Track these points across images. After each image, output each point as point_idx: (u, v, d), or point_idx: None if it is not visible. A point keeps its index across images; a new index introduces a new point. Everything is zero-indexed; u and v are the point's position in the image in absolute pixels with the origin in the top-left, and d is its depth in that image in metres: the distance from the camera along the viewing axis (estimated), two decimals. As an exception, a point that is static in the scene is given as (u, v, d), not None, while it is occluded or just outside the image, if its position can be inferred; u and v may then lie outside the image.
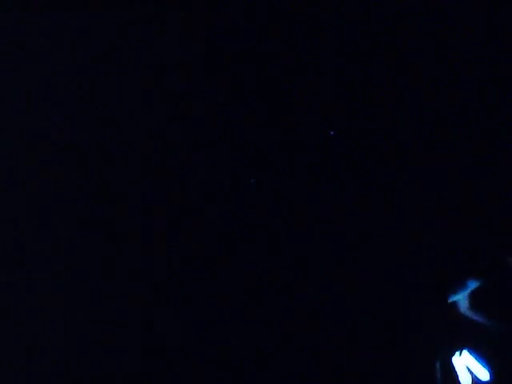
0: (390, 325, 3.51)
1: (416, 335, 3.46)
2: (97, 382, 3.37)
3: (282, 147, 3.69)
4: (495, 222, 3.54)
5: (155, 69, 3.68)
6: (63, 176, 3.60)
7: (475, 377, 3.36)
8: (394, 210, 3.64)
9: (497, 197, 3.60)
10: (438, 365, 3.40)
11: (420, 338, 3.45)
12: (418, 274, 3.53)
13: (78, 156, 3.62)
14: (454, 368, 3.38)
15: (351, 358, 3.47)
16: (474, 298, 3.44)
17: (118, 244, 3.55)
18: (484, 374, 3.36)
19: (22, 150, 3.61)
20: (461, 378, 3.36)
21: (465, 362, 3.37)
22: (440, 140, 3.69)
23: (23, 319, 3.41)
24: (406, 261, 3.58)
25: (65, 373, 3.38)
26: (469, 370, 3.36)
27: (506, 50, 3.67)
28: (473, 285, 3.43)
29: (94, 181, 3.60)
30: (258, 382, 3.43)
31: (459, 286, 3.43)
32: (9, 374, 3.34)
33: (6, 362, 3.36)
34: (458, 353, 3.37)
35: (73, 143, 3.62)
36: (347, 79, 3.71)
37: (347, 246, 3.62)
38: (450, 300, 3.46)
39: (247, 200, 3.64)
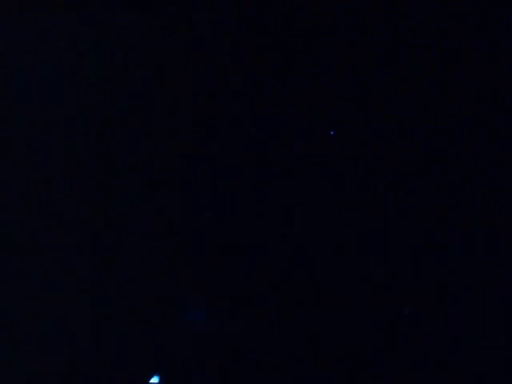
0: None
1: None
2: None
3: (281, 147, 3.68)
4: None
5: (155, 69, 3.68)
6: (63, 176, 3.61)
7: None
8: (393, 209, 3.63)
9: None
10: None
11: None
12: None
13: (78, 156, 3.63)
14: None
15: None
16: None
17: (118, 244, 3.56)
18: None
19: (21, 149, 3.61)
20: None
21: None
22: (440, 140, 3.69)
23: (23, 319, 3.42)
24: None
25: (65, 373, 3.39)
26: None
27: (506, 50, 3.66)
28: None
29: (94, 181, 3.61)
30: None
31: None
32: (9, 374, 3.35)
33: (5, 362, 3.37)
34: None
35: (73, 143, 3.63)
36: (347, 79, 3.70)
37: (346, 245, 3.61)
38: None
39: (247, 200, 3.64)
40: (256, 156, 3.67)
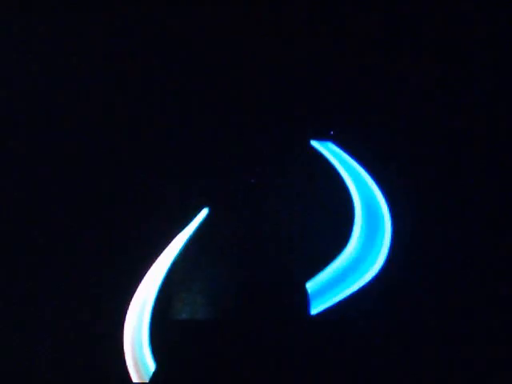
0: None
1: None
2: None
3: (281, 147, 3.68)
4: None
5: (155, 68, 3.69)
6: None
7: None
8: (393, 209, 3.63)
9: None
10: None
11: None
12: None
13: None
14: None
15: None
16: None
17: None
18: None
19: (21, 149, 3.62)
20: None
21: None
22: (440, 140, 3.69)
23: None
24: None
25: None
26: None
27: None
28: None
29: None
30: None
31: None
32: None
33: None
34: None
35: (72, 143, 3.64)
36: (347, 79, 3.71)
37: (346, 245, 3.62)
38: None
39: (247, 200, 3.64)
40: (256, 156, 3.68)
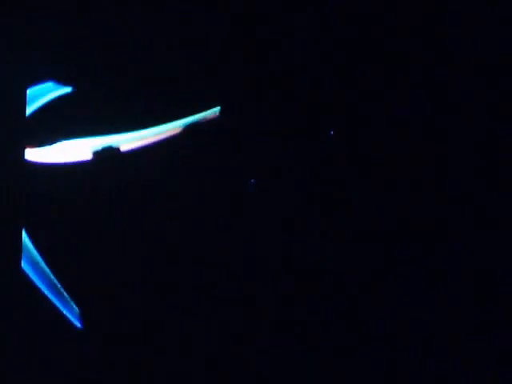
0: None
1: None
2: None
3: (281, 147, 3.68)
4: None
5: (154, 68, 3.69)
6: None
7: None
8: (393, 209, 3.64)
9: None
10: None
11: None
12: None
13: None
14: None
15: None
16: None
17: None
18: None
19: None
20: None
21: None
22: (440, 140, 3.69)
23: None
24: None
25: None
26: None
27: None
28: None
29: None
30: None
31: None
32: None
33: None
34: None
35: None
36: (347, 78, 3.71)
37: (347, 245, 3.62)
38: None
39: (247, 200, 3.64)
40: (256, 156, 3.68)
